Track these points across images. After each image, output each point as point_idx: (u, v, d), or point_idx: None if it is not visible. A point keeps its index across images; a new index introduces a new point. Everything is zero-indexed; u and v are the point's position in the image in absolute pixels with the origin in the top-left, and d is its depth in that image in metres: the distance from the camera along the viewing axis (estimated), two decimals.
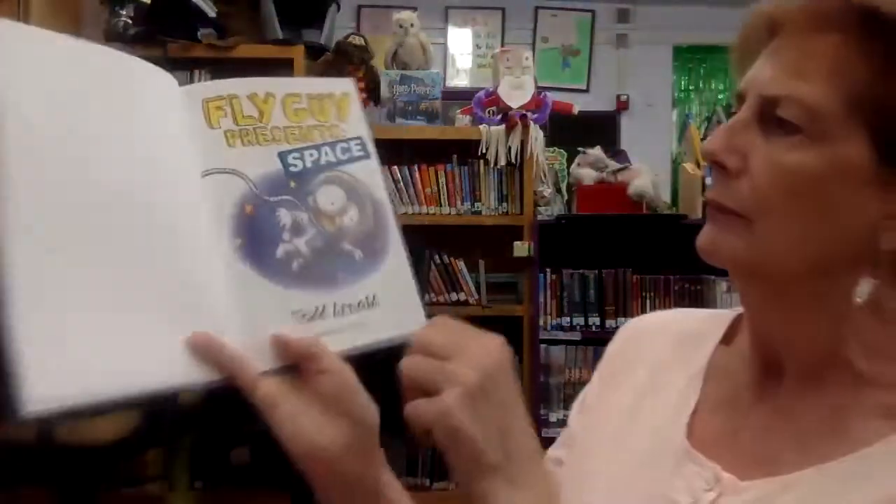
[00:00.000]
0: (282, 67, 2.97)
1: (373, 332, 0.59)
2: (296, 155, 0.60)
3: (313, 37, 3.06)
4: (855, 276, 0.55)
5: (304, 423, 0.54)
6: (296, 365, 0.56)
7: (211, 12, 2.93)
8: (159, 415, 2.20)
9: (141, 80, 0.57)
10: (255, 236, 0.57)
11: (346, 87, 0.65)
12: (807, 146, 0.53)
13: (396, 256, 0.62)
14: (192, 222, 0.55)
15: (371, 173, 0.62)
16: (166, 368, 0.51)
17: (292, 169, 0.59)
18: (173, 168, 0.56)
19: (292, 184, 0.59)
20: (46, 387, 0.45)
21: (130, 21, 2.89)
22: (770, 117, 0.55)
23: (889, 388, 0.55)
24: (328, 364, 0.55)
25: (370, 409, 0.57)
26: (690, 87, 5.93)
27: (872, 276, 0.54)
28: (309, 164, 0.60)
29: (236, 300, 0.56)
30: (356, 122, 0.63)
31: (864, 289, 0.54)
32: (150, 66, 0.58)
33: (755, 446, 0.59)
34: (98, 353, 0.48)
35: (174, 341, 0.52)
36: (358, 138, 0.63)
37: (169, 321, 0.52)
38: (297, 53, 2.95)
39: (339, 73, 2.91)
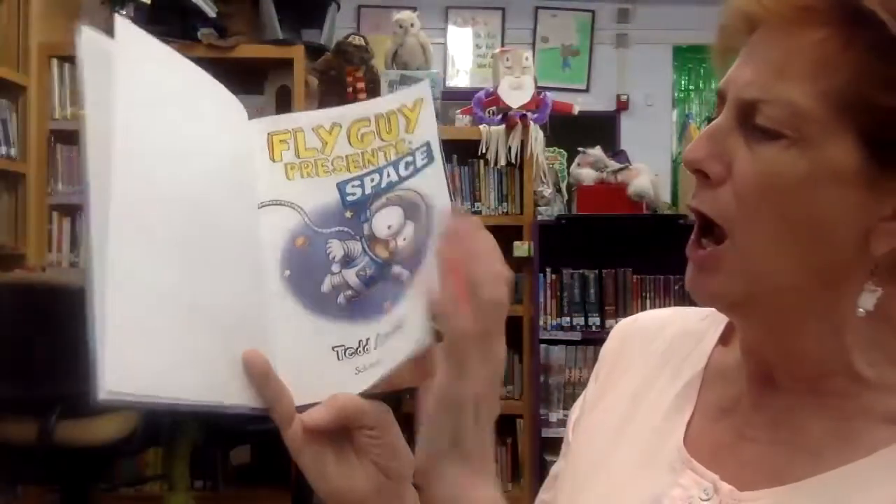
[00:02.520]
0: (282, 67, 2.97)
1: (393, 359, 0.57)
2: (355, 183, 0.59)
3: (313, 37, 3.06)
4: (852, 284, 0.52)
5: (332, 469, 0.53)
6: None
7: (211, 12, 2.93)
8: (158, 415, 2.20)
9: (224, 102, 0.58)
10: (303, 269, 0.57)
11: (420, 92, 0.61)
12: (791, 150, 0.50)
13: (428, 264, 0.58)
14: (247, 252, 0.56)
15: (434, 179, 0.60)
16: (220, 386, 0.52)
17: (350, 198, 0.59)
18: (237, 195, 0.57)
19: (348, 214, 0.58)
20: (122, 377, 0.47)
21: (130, 21, 2.89)
22: (751, 121, 0.52)
23: None
24: (364, 421, 0.54)
25: (406, 462, 0.56)
26: (690, 87, 5.94)
27: (874, 283, 0.52)
28: (369, 191, 0.59)
29: (278, 333, 0.56)
30: (424, 128, 0.60)
31: (866, 299, 0.52)
32: (227, 92, 0.59)
33: (757, 457, 0.57)
34: (168, 357, 0.49)
35: (230, 361, 0.53)
36: (424, 145, 0.60)
37: (225, 341, 0.53)
38: (297, 53, 2.96)
39: (339, 72, 2.92)
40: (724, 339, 0.65)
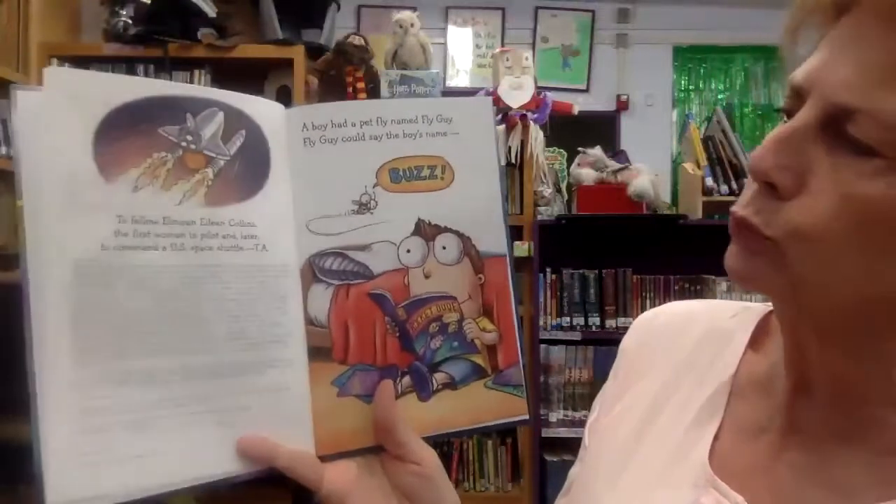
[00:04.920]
0: (282, 67, 2.97)
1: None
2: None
3: (313, 37, 3.06)
4: None
5: None
6: (377, 447, 0.54)
7: (211, 12, 2.92)
8: None
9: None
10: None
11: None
12: (886, 175, 0.42)
13: None
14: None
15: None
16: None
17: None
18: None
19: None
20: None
21: (130, 21, 2.89)
22: (841, 130, 0.43)
23: None
24: (409, 453, 0.53)
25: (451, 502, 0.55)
26: (690, 87, 5.94)
27: None
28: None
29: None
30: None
31: None
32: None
33: (789, 486, 0.51)
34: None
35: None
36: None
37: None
38: (297, 53, 2.95)
39: (339, 72, 2.91)
40: (755, 344, 0.60)
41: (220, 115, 0.51)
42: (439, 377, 0.57)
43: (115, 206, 0.46)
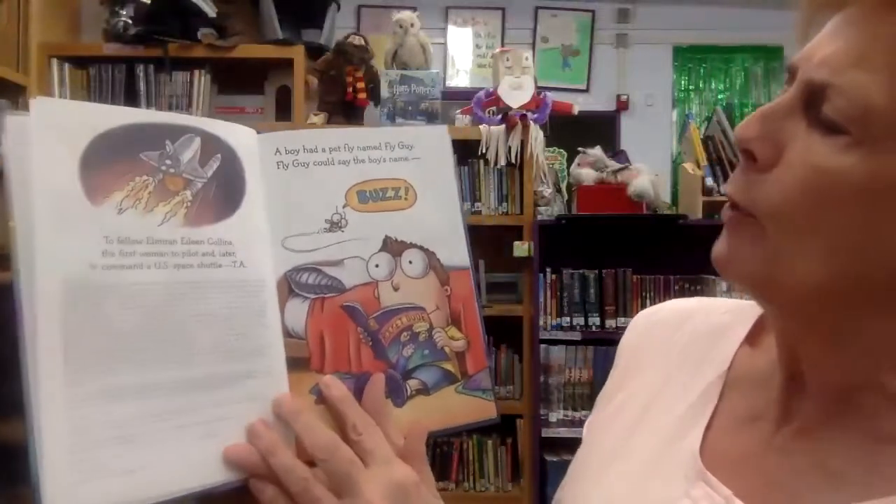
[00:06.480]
0: (282, 67, 2.97)
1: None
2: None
3: (313, 37, 3.06)
4: (893, 305, 0.45)
5: None
6: None
7: (211, 12, 2.93)
8: None
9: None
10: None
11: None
12: (851, 152, 0.43)
13: None
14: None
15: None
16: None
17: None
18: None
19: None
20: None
21: (130, 21, 2.89)
22: (817, 108, 0.45)
23: None
24: (392, 439, 0.55)
25: None
26: (690, 87, 5.94)
27: None
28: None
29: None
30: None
31: None
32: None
33: (780, 474, 0.51)
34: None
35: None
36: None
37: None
38: (297, 53, 2.95)
39: (339, 72, 2.91)
40: (752, 339, 0.60)
41: (198, 141, 0.54)
42: (412, 384, 0.59)
43: (101, 228, 0.48)
